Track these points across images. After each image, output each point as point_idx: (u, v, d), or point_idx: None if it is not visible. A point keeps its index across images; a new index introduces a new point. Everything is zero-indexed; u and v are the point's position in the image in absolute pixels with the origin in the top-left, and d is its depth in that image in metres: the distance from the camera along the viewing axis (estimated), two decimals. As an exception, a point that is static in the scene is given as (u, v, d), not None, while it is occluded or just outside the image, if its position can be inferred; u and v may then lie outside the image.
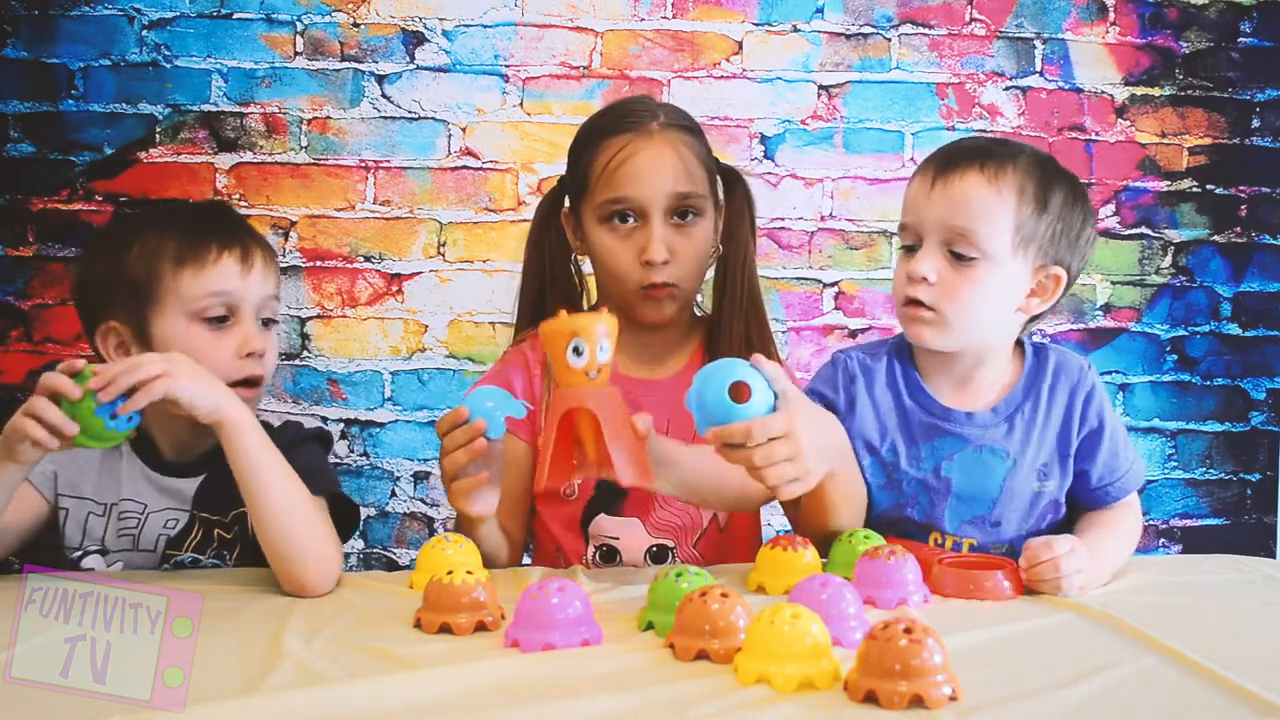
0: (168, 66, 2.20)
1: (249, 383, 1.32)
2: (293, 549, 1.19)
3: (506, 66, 2.24)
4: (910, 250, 1.30)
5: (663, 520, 1.46)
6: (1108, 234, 2.33)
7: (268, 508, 1.19)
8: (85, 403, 1.12)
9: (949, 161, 1.29)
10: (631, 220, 1.42)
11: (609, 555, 1.44)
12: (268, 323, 1.36)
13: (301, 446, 1.34)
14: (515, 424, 1.46)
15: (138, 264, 1.32)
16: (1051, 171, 1.30)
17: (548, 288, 1.52)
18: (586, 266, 1.54)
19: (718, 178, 1.50)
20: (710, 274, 1.52)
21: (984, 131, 2.30)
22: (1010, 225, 1.25)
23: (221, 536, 1.34)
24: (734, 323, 1.49)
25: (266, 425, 1.38)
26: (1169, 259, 2.35)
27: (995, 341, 1.33)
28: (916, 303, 1.28)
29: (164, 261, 1.31)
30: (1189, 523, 2.37)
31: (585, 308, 1.55)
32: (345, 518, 1.33)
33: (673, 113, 1.46)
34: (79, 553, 1.34)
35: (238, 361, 1.31)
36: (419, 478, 2.26)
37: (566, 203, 1.52)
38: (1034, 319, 1.34)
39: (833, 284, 2.32)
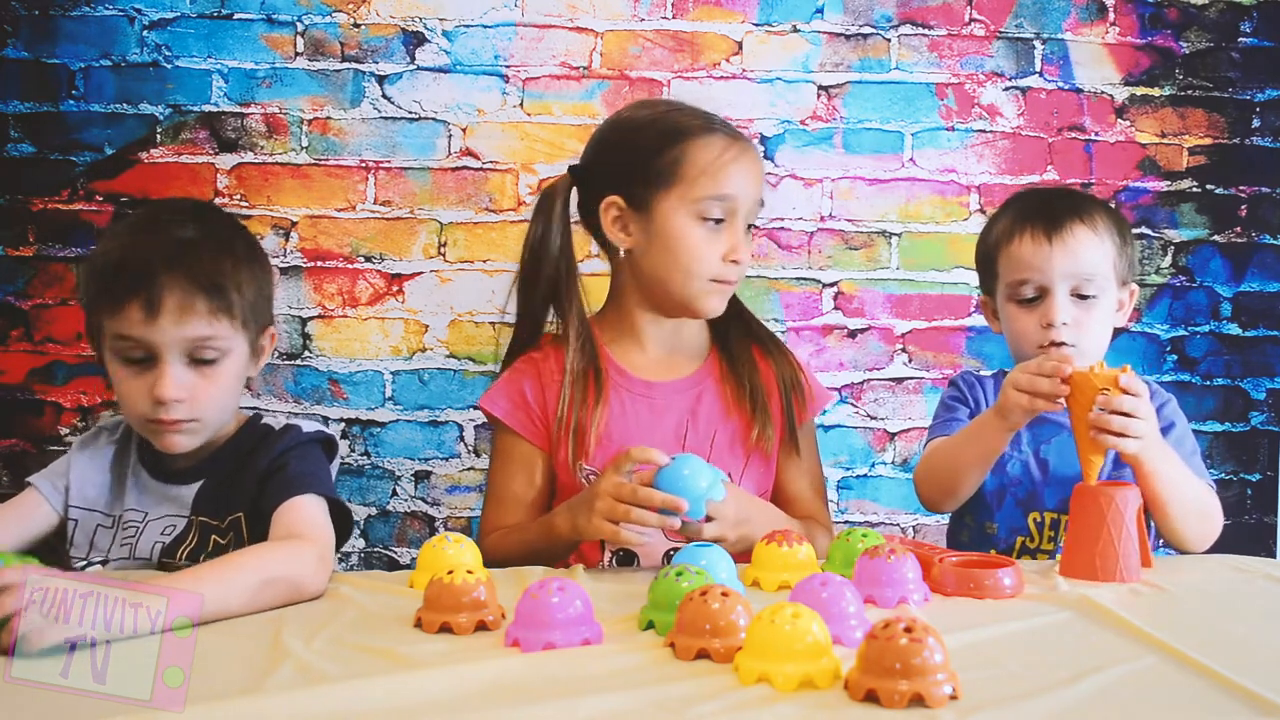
0: (168, 67, 2.20)
1: (166, 425, 1.28)
2: (278, 600, 1.15)
3: (506, 67, 2.24)
4: (1030, 302, 1.49)
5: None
6: (1108, 234, 2.34)
7: (242, 609, 1.12)
8: None
9: (1054, 219, 1.48)
10: (719, 218, 1.46)
11: (626, 559, 1.44)
12: (204, 362, 1.29)
13: (299, 450, 1.33)
14: (526, 428, 1.48)
15: (83, 298, 1.33)
16: (1113, 209, 1.56)
17: (564, 290, 1.51)
18: (584, 267, 1.57)
19: None
20: None
21: (984, 132, 2.30)
22: (1110, 261, 1.50)
23: (217, 542, 1.31)
24: (733, 324, 1.58)
25: (268, 428, 1.38)
26: (1169, 259, 2.35)
27: (1101, 355, 1.51)
28: (1057, 344, 1.47)
29: (92, 297, 1.31)
30: (1189, 523, 2.36)
31: (588, 310, 1.55)
32: (339, 526, 1.31)
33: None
34: (83, 563, 1.33)
35: (152, 405, 1.28)
36: (419, 477, 2.26)
37: (605, 194, 1.50)
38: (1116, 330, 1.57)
39: (832, 284, 2.32)
